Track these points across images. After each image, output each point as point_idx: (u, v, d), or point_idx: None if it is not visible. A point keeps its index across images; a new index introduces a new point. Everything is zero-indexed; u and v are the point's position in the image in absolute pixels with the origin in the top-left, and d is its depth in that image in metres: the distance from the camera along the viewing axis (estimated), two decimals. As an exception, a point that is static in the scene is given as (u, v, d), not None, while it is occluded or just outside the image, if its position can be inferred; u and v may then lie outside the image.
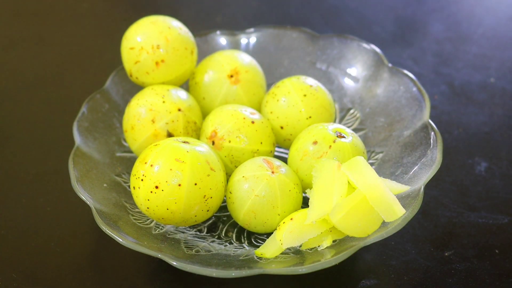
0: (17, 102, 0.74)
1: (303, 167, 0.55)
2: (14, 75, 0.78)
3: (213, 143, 0.56)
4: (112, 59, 0.72)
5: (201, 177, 0.51)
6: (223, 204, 0.56)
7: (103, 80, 0.65)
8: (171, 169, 0.50)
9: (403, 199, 0.51)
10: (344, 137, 0.55)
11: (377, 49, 0.66)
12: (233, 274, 0.47)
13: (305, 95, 0.59)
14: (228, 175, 0.55)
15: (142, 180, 0.51)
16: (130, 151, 0.61)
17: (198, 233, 0.55)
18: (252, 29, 0.70)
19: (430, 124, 0.57)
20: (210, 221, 0.56)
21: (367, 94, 0.65)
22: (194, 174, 0.51)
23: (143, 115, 0.57)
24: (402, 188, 0.51)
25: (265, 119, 0.58)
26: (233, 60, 0.61)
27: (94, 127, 0.61)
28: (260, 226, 0.53)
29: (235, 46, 0.69)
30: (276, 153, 0.62)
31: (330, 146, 0.54)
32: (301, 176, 0.55)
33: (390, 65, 0.64)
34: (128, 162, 0.60)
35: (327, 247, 0.50)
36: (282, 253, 0.51)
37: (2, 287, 0.53)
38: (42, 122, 0.71)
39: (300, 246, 0.51)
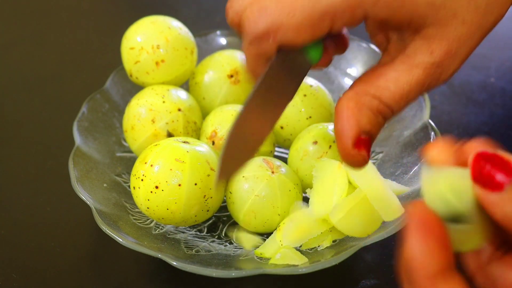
0: (17, 102, 0.74)
1: (303, 167, 0.55)
2: (14, 75, 0.78)
3: (213, 143, 0.56)
4: (112, 59, 0.72)
5: (201, 177, 0.51)
6: (223, 204, 0.56)
7: (103, 80, 0.65)
8: (171, 169, 0.50)
9: (403, 199, 0.51)
10: (344, 137, 0.55)
11: (377, 49, 0.66)
12: (233, 274, 0.47)
13: (305, 95, 0.59)
14: (228, 175, 0.55)
15: (142, 180, 0.51)
16: (130, 151, 0.61)
17: (198, 233, 0.55)
18: (252, 29, 0.70)
19: (430, 124, 0.57)
20: (210, 221, 0.56)
21: (367, 94, 0.65)
22: (194, 174, 0.51)
23: (143, 115, 0.57)
24: (403, 190, 0.51)
25: (265, 119, 0.58)
26: (233, 60, 0.61)
27: (94, 127, 0.61)
28: (260, 226, 0.53)
29: (235, 46, 0.69)
30: (276, 153, 0.62)
31: (330, 146, 0.54)
32: (301, 176, 0.55)
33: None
34: (128, 162, 0.60)
35: (327, 247, 0.50)
36: (282, 253, 0.51)
37: (2, 287, 0.53)
38: (42, 122, 0.71)
39: (300, 246, 0.51)
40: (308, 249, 0.51)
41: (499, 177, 0.30)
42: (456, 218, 0.31)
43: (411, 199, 0.51)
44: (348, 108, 0.40)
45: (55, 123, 0.70)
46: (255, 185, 0.52)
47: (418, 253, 0.31)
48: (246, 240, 0.54)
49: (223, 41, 0.70)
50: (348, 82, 0.67)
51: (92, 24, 0.88)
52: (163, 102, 0.57)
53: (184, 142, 0.53)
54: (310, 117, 0.58)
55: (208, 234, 0.55)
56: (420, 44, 0.40)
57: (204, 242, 0.54)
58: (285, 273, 0.47)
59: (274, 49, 0.40)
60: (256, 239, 0.53)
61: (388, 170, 0.57)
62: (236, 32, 0.43)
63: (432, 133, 0.56)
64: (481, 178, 0.31)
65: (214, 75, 0.61)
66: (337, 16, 0.38)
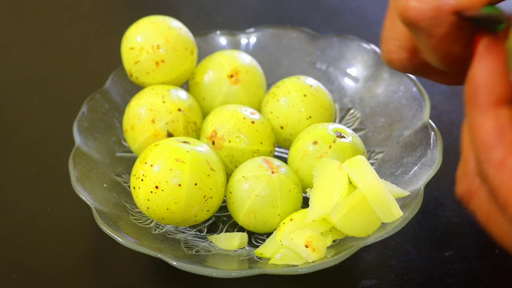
0: (17, 102, 0.74)
1: (303, 167, 0.55)
2: (14, 75, 0.78)
3: (213, 143, 0.56)
4: (112, 59, 0.72)
5: (201, 177, 0.51)
6: (223, 204, 0.56)
7: (103, 80, 0.65)
8: (171, 169, 0.50)
9: (403, 199, 0.51)
10: (344, 137, 0.55)
11: (377, 49, 0.66)
12: (233, 274, 0.47)
13: (305, 95, 0.59)
14: (228, 175, 0.55)
15: (142, 180, 0.51)
16: (130, 151, 0.61)
17: (198, 233, 0.55)
18: (252, 29, 0.70)
19: (430, 124, 0.57)
20: (210, 221, 0.56)
21: (367, 94, 0.65)
22: (194, 174, 0.51)
23: (143, 115, 0.57)
24: (403, 193, 0.51)
25: (265, 119, 0.58)
26: (233, 60, 0.61)
27: (94, 127, 0.61)
28: (260, 226, 0.53)
29: (235, 46, 0.69)
30: (276, 153, 0.62)
31: (330, 146, 0.54)
32: (301, 176, 0.55)
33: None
34: (128, 162, 0.60)
35: (327, 247, 0.50)
36: (282, 253, 0.51)
37: (2, 287, 0.53)
38: (42, 122, 0.71)
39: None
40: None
41: None
42: None
43: (411, 198, 0.51)
44: None
45: (55, 123, 0.70)
46: (255, 185, 0.52)
47: (487, 75, 0.31)
48: (226, 240, 0.53)
49: (223, 41, 0.70)
50: (348, 82, 0.67)
51: (92, 24, 0.88)
52: (163, 102, 0.57)
53: (184, 142, 0.53)
54: (310, 117, 0.58)
55: (208, 234, 0.55)
56: None
57: (204, 242, 0.54)
58: (285, 273, 0.47)
59: (453, 20, 0.35)
60: (237, 240, 0.53)
61: (388, 170, 0.57)
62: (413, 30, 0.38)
63: (432, 133, 0.56)
64: None
65: (214, 75, 0.61)
66: None
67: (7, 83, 0.77)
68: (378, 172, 0.52)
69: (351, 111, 0.66)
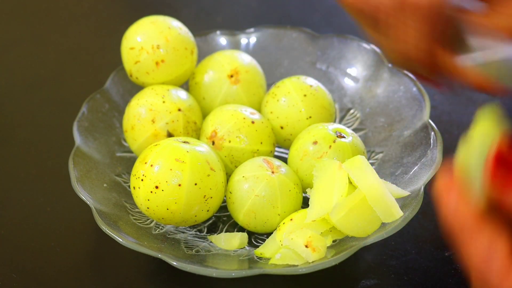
0: (17, 102, 0.74)
1: (303, 167, 0.55)
2: (14, 75, 0.78)
3: (213, 143, 0.56)
4: (112, 59, 0.72)
5: (201, 177, 0.51)
6: (223, 204, 0.56)
7: (103, 80, 0.65)
8: (171, 169, 0.50)
9: (403, 199, 0.51)
10: (344, 137, 0.55)
11: (377, 49, 0.66)
12: (233, 274, 0.47)
13: (305, 95, 0.59)
14: (228, 175, 0.55)
15: (142, 180, 0.51)
16: (130, 151, 0.61)
17: (198, 233, 0.55)
18: (252, 29, 0.70)
19: (430, 124, 0.57)
20: (210, 221, 0.56)
21: (367, 94, 0.65)
22: (194, 174, 0.51)
23: (143, 115, 0.57)
24: (402, 193, 0.51)
25: (265, 119, 0.58)
26: (233, 60, 0.61)
27: (94, 127, 0.61)
28: (260, 226, 0.53)
29: (235, 46, 0.69)
30: (276, 153, 0.62)
31: (330, 146, 0.54)
32: (301, 176, 0.55)
33: (390, 65, 0.64)
34: (128, 162, 0.60)
35: (327, 247, 0.50)
36: (282, 253, 0.51)
37: (2, 287, 0.53)
38: (42, 122, 0.71)
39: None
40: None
41: None
42: None
43: (411, 198, 0.51)
44: None
45: (55, 123, 0.70)
46: (255, 185, 0.52)
47: (457, 212, 0.33)
48: (226, 240, 0.54)
49: (223, 41, 0.70)
50: (348, 82, 0.67)
51: (92, 24, 0.88)
52: (163, 102, 0.57)
53: (184, 142, 0.53)
54: (310, 117, 0.58)
55: (208, 234, 0.55)
56: None
57: (204, 242, 0.54)
58: (285, 273, 0.47)
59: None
60: (237, 240, 0.53)
61: (388, 170, 0.57)
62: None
63: (432, 133, 0.56)
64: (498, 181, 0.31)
65: (214, 75, 0.61)
66: None
67: (7, 83, 0.77)
68: (378, 172, 0.52)
69: (351, 111, 0.66)
